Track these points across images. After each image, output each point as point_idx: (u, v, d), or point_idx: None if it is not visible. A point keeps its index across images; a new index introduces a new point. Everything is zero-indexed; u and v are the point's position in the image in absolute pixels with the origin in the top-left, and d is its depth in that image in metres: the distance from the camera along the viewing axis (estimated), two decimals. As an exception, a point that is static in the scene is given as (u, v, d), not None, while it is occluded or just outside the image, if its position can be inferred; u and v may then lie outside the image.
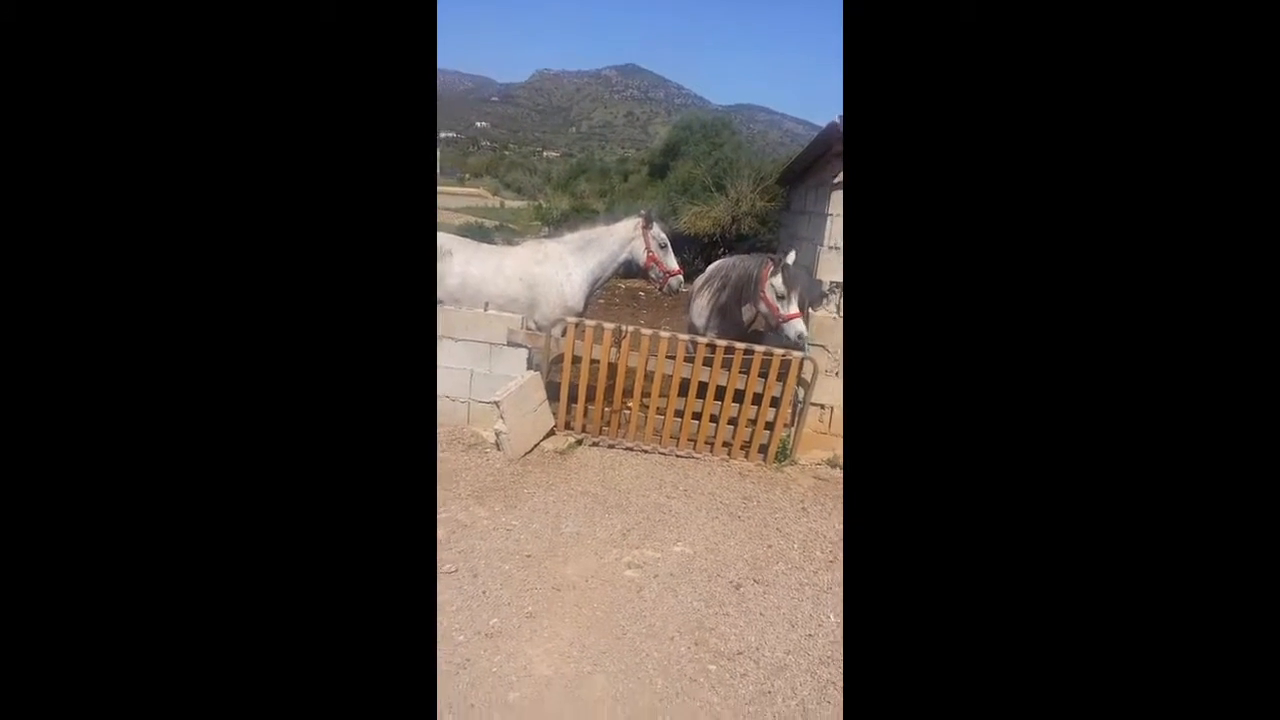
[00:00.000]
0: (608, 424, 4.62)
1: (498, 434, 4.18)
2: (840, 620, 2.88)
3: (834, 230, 4.54)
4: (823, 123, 4.76)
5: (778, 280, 4.29)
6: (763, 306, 4.44)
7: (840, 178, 4.40)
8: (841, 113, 4.22)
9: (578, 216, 11.69)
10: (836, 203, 4.49)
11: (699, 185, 12.24)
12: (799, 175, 6.78)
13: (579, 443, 4.58)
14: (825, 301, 4.61)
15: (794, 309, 4.26)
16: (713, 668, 2.53)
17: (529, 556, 3.13)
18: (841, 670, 2.55)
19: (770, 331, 4.56)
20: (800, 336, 4.26)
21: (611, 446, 4.60)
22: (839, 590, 3.12)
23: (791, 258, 4.37)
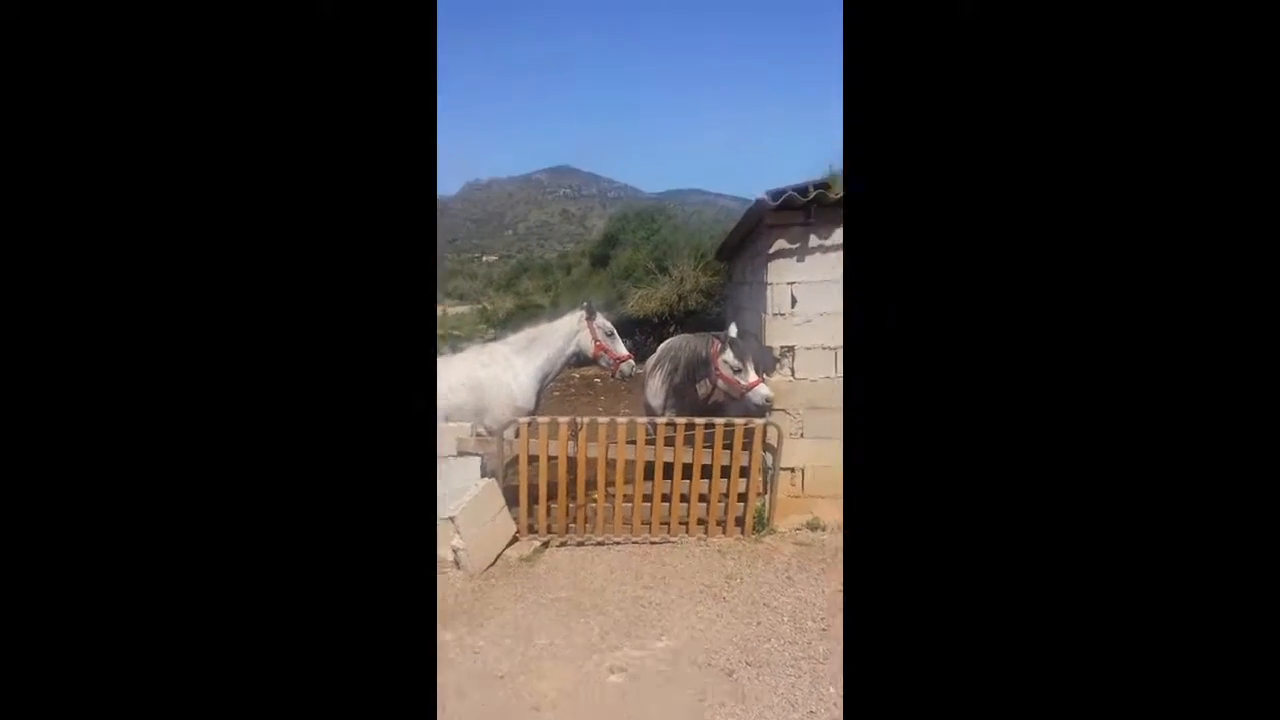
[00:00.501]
0: (574, 521, 4.42)
1: (455, 551, 3.93)
2: (840, 692, 2.69)
3: (774, 298, 4.62)
4: (753, 197, 4.89)
5: (729, 355, 4.31)
6: (721, 384, 4.45)
7: (775, 248, 4.53)
8: (767, 189, 4.37)
9: (523, 315, 11.69)
10: (773, 272, 4.60)
11: (642, 270, 12.46)
12: (736, 249, 6.95)
13: (545, 545, 4.35)
14: (779, 366, 4.62)
15: (753, 377, 4.26)
16: (716, 776, 2.31)
17: (501, 677, 2.86)
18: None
19: (733, 402, 4.53)
20: (767, 400, 4.25)
21: (581, 544, 4.38)
22: (836, 659, 2.93)
23: (733, 331, 4.44)
